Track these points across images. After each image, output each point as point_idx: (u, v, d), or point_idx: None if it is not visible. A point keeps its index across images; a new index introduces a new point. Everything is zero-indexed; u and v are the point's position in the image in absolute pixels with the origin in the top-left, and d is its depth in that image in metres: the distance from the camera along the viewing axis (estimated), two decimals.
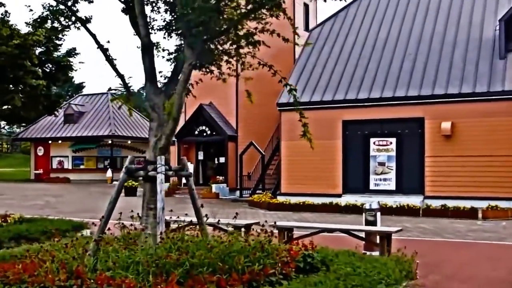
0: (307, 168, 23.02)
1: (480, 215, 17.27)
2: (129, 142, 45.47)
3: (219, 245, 5.64)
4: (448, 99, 21.08)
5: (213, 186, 26.73)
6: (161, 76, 6.96)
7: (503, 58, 21.50)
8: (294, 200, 21.24)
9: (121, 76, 6.77)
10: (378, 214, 9.82)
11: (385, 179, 22.17)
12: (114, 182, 39.66)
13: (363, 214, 9.95)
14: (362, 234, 9.01)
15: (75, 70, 40.77)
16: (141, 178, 6.50)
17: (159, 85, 6.72)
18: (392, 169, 22.05)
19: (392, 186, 21.98)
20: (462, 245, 11.19)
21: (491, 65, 21.39)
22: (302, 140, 23.37)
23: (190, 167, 6.09)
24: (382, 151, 22.24)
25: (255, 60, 7.51)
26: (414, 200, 20.18)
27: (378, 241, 9.20)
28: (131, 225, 7.13)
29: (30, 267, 5.60)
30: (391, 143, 22.08)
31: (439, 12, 24.82)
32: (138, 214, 7.11)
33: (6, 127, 71.48)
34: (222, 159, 27.98)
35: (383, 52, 24.26)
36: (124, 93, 6.74)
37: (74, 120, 44.80)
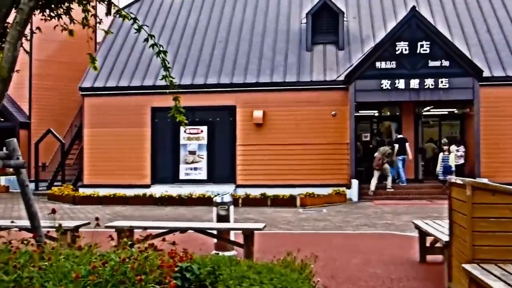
0: (112, 157, 21.11)
1: (298, 202, 17.22)
2: None
3: (81, 270, 3.86)
4: (259, 87, 20.88)
5: (2, 178, 23.19)
6: None
7: (309, 50, 22.03)
8: (103, 192, 19.16)
9: None
10: (231, 208, 8.68)
11: (195, 168, 21.24)
12: None
13: (214, 208, 8.71)
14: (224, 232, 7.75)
15: None
16: None
17: None
18: (203, 158, 21.21)
19: (203, 175, 21.15)
20: (309, 238, 10.62)
21: (299, 57, 21.79)
22: (107, 127, 21.70)
23: None
24: (193, 139, 21.28)
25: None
26: (226, 189, 19.43)
27: (232, 238, 8.08)
28: None
29: None
30: (202, 131, 21.20)
31: (248, 2, 24.76)
32: None
33: None
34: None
35: (193, 38, 23.34)
36: None
37: None
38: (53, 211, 4.68)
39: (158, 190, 19.57)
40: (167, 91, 6.10)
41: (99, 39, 25.15)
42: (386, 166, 19.10)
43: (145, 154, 21.17)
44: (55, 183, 23.16)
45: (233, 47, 22.53)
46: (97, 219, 4.98)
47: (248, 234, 7.30)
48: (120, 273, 4.03)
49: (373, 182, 18.87)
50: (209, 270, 5.32)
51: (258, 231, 7.50)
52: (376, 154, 19.24)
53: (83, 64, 23.17)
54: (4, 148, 4.89)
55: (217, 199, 8.70)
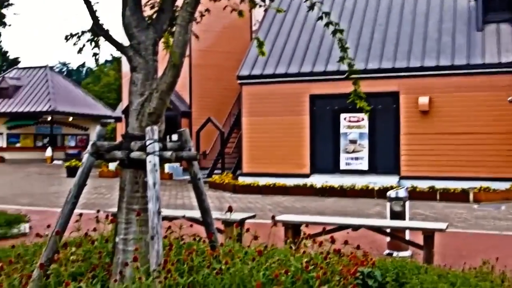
0: (271, 146, 21.06)
1: (471, 197, 15.71)
2: (70, 119, 42.08)
3: (260, 276, 3.44)
4: (424, 72, 19.46)
5: (166, 166, 24.29)
6: (145, 5, 4.59)
7: (480, 30, 20.09)
8: (262, 181, 19.19)
9: None
10: (407, 203, 7.90)
11: (357, 158, 20.44)
12: (55, 162, 36.55)
13: (388, 203, 8.00)
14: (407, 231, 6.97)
15: (9, 25, 35.88)
16: (117, 161, 4.17)
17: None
18: (364, 148, 20.34)
19: (364, 165, 20.29)
20: (492, 240, 9.30)
21: (469, 37, 19.95)
22: (265, 115, 21.76)
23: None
24: (354, 127, 20.49)
25: None
26: (389, 181, 18.56)
27: (407, 237, 7.31)
28: (94, 230, 4.85)
29: None
30: (363, 119, 20.29)
31: None
32: (108, 215, 4.84)
33: None
34: (174, 137, 25.52)
35: (351, 22, 22.40)
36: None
37: (9, 94, 40.78)
38: (230, 208, 4.32)
39: (317, 180, 19.13)
40: (344, 76, 5.47)
41: (254, 26, 25.45)
42: None
43: (304, 142, 20.83)
44: (215, 171, 23.78)
45: (394, 30, 21.29)
46: (273, 217, 4.54)
47: (429, 235, 6.48)
48: (302, 281, 3.54)
49: None
50: (393, 277, 4.67)
51: (439, 231, 6.64)
52: None
53: (240, 53, 23.53)
54: (168, 138, 4.66)
55: (392, 194, 7.93)
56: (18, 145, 41.09)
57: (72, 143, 42.90)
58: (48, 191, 18.82)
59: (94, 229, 4.84)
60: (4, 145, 40.65)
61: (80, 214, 4.67)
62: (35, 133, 41.62)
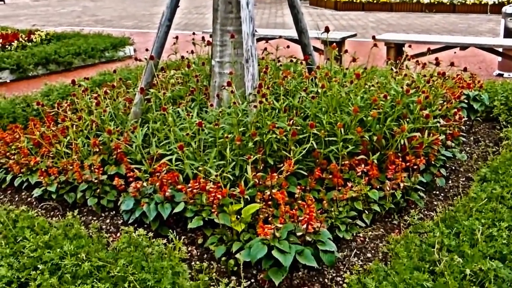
0: None
1: None
2: None
3: (357, 100, 3.30)
4: None
5: None
6: None
7: None
8: None
9: None
10: None
11: None
12: None
13: (502, 20, 7.30)
14: None
15: None
16: None
17: None
18: None
19: None
20: None
21: None
22: None
23: None
24: None
25: None
26: None
27: None
28: (191, 53, 4.85)
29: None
30: None
31: None
32: (203, 38, 4.78)
33: None
34: None
35: None
36: None
37: None
38: (326, 29, 4.09)
39: None
40: None
41: None
42: None
43: None
44: None
45: None
46: (374, 38, 4.25)
47: None
48: (402, 105, 3.38)
49: None
50: (502, 101, 4.41)
51: None
52: None
53: None
54: None
55: (507, 9, 7.19)
56: None
57: None
58: (151, 12, 19.07)
59: (192, 52, 4.84)
60: None
61: (176, 37, 4.65)
62: None
